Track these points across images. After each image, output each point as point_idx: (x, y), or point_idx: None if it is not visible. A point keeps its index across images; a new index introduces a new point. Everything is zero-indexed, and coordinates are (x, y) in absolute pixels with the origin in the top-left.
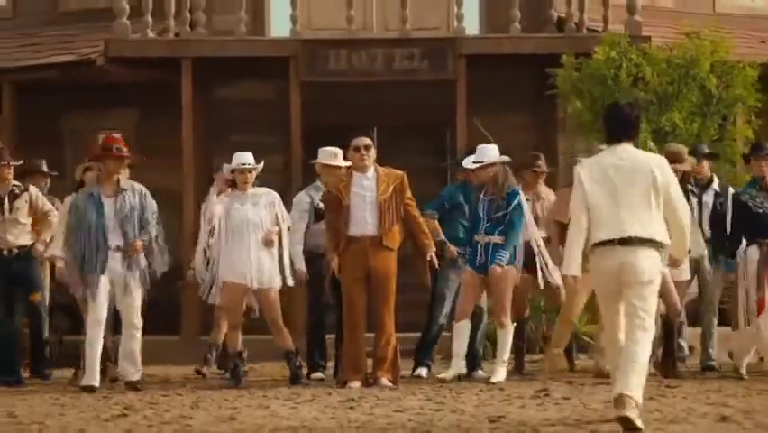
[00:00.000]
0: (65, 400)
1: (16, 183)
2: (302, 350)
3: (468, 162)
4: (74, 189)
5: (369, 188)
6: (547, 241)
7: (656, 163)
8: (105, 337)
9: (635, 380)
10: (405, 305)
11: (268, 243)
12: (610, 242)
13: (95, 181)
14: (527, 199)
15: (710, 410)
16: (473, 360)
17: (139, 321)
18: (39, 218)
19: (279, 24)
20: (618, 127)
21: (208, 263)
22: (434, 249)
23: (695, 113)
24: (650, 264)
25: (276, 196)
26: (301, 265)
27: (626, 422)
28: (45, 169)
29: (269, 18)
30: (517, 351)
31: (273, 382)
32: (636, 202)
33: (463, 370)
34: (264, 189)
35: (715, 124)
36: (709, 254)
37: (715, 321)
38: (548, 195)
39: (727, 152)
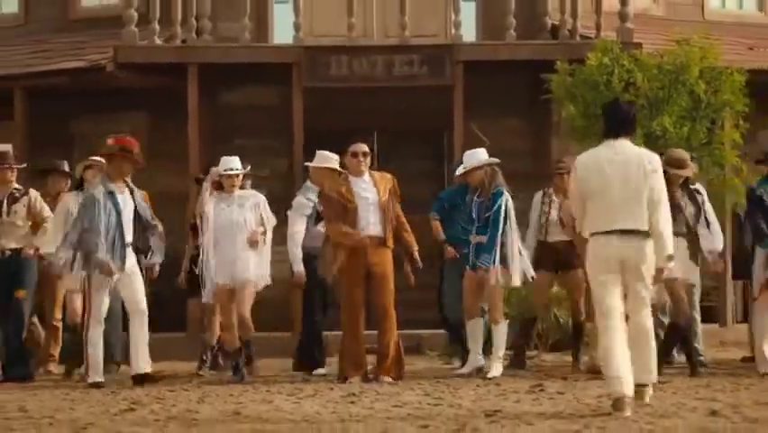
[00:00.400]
0: (75, 395)
1: (17, 186)
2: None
3: (459, 170)
4: (75, 186)
5: (369, 190)
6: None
7: (647, 159)
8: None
9: (649, 365)
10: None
11: (252, 243)
12: (607, 232)
13: (97, 179)
14: (553, 201)
15: (700, 405)
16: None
17: (145, 307)
18: (37, 222)
19: (282, 32)
20: (617, 123)
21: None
22: (417, 247)
23: (685, 117)
24: (645, 251)
25: (261, 198)
26: (300, 267)
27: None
28: (66, 169)
29: (272, 25)
30: (519, 347)
31: (276, 377)
32: (630, 195)
33: (481, 363)
34: (250, 192)
35: (704, 128)
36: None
37: (698, 318)
38: None
39: (716, 156)
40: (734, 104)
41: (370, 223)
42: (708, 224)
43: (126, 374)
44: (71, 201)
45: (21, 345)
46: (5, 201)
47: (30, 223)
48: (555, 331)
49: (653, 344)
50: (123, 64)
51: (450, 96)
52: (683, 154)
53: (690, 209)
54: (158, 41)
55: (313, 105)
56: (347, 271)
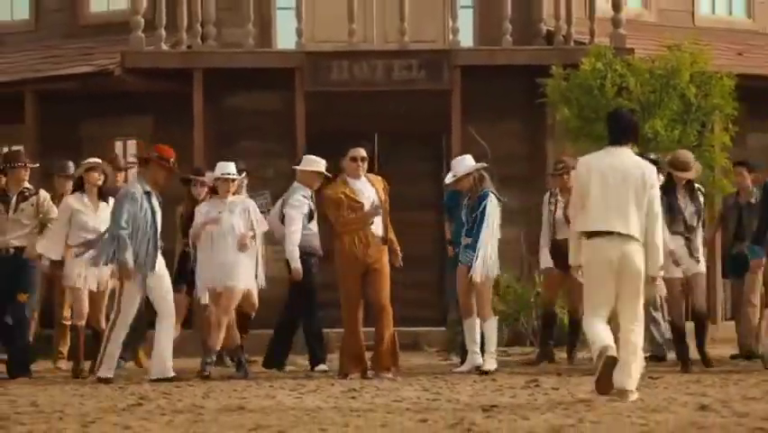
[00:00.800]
0: (84, 390)
1: (29, 186)
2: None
3: (448, 178)
4: (75, 187)
5: (369, 192)
6: None
7: (646, 171)
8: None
9: (633, 370)
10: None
11: (242, 247)
12: (602, 234)
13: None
14: (558, 200)
15: (690, 400)
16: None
17: (173, 310)
18: (43, 223)
19: (285, 37)
20: (620, 132)
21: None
22: (398, 247)
23: (676, 120)
24: (638, 257)
25: (251, 203)
26: (297, 264)
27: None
28: (71, 171)
29: (275, 31)
30: (545, 341)
31: (278, 373)
32: (627, 201)
33: (479, 361)
34: (240, 197)
35: (694, 131)
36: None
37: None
38: None
39: (706, 158)
40: (723, 107)
41: (373, 223)
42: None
43: (132, 370)
44: (74, 202)
45: (25, 347)
46: (15, 199)
47: (36, 223)
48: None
49: (640, 355)
50: (131, 69)
51: (448, 100)
52: (688, 156)
53: (689, 209)
54: (164, 47)
55: (315, 108)
56: (346, 270)
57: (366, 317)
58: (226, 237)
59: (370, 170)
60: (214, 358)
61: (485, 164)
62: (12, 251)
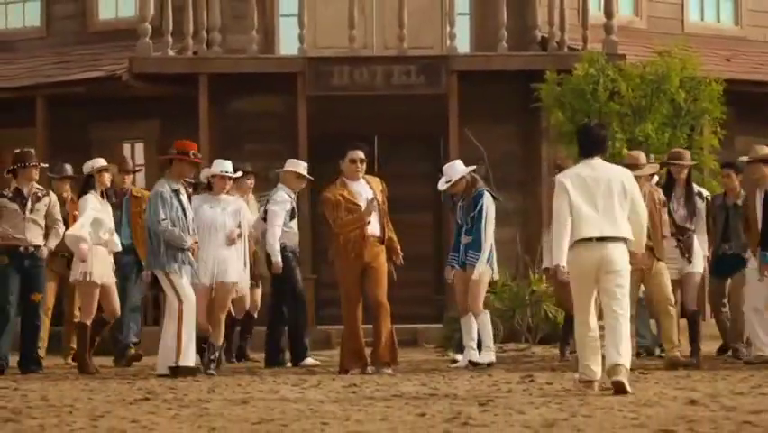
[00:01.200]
0: (93, 385)
1: (39, 186)
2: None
3: (441, 184)
4: (83, 184)
5: (367, 193)
6: None
7: (624, 175)
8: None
9: (623, 349)
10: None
11: (230, 242)
12: (590, 239)
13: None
14: None
15: (680, 394)
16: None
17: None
18: (48, 225)
19: (288, 43)
20: (591, 144)
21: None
22: (399, 245)
23: (666, 124)
24: (623, 256)
25: (242, 203)
26: (278, 258)
27: (619, 386)
28: (70, 173)
29: (278, 38)
30: (563, 341)
31: (282, 369)
32: (610, 206)
33: (476, 357)
34: (233, 197)
35: (684, 134)
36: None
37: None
38: None
39: (695, 160)
40: (712, 111)
41: (371, 224)
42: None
43: (138, 365)
44: (95, 201)
45: (36, 346)
46: (30, 198)
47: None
48: (544, 325)
49: (627, 330)
50: (138, 74)
51: (445, 104)
52: (682, 151)
53: (681, 212)
54: (170, 53)
55: (316, 112)
56: (345, 270)
57: (365, 314)
58: (218, 234)
59: (368, 171)
60: (218, 355)
61: (475, 167)
62: (31, 249)
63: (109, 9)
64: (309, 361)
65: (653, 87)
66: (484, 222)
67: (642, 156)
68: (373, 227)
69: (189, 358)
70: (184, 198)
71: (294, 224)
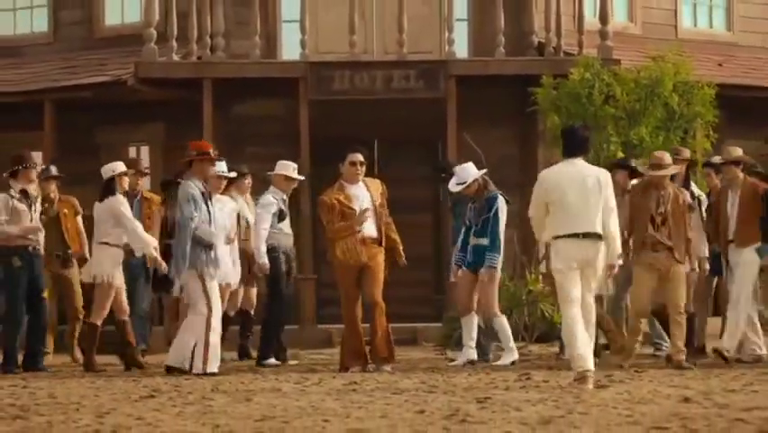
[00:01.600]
0: (99, 383)
1: (35, 187)
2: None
3: (453, 185)
4: (104, 188)
5: (364, 196)
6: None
7: (600, 175)
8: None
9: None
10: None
11: (229, 241)
12: (571, 235)
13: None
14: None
15: (673, 392)
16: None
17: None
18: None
19: (290, 49)
20: (575, 146)
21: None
22: (401, 246)
23: (660, 127)
24: (599, 250)
25: (240, 203)
26: (264, 260)
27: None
28: (55, 173)
29: (280, 43)
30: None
31: (283, 367)
32: (587, 204)
33: (473, 356)
34: (226, 198)
35: (677, 137)
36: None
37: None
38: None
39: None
40: (704, 115)
41: (367, 226)
42: None
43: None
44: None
45: (43, 345)
46: (39, 201)
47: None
48: (540, 324)
49: (593, 323)
50: (144, 79)
51: (444, 108)
52: (662, 156)
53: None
54: (175, 58)
55: (318, 116)
56: (343, 271)
57: (364, 313)
58: (219, 235)
59: (368, 174)
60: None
61: (486, 170)
62: (38, 249)
63: (115, 15)
64: (272, 361)
65: (647, 91)
66: (501, 225)
67: (667, 156)
68: (369, 230)
69: (215, 365)
70: (211, 204)
71: (285, 225)
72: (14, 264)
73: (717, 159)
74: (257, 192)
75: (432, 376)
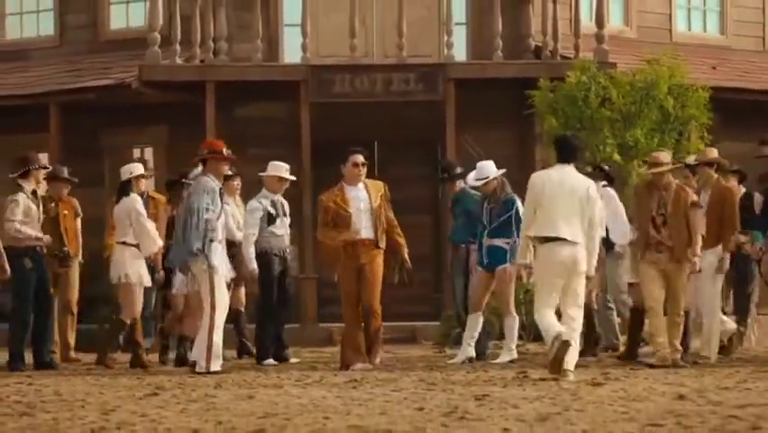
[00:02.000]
0: (104, 380)
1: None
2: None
3: (471, 180)
4: (120, 189)
5: (362, 198)
6: None
7: (590, 187)
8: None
9: (572, 358)
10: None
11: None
12: (552, 239)
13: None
14: None
15: (668, 390)
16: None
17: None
18: None
19: (291, 52)
20: (567, 153)
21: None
22: (407, 249)
23: (655, 129)
24: (580, 258)
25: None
26: (253, 265)
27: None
28: (66, 175)
29: (282, 47)
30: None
31: (285, 365)
32: (573, 212)
33: (472, 354)
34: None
35: (672, 139)
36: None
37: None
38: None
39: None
40: (699, 117)
41: (363, 227)
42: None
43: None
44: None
45: (51, 344)
46: (41, 201)
47: None
48: None
49: (578, 334)
50: (147, 82)
51: (442, 110)
52: (658, 155)
53: None
54: (179, 61)
55: (319, 118)
56: (343, 271)
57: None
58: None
59: (369, 175)
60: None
61: (505, 170)
62: (44, 249)
63: (120, 19)
64: (270, 361)
65: (642, 93)
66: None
67: (663, 155)
68: (366, 231)
69: (218, 363)
70: (224, 202)
71: (277, 227)
72: (26, 265)
73: (691, 159)
74: (257, 192)
75: (431, 374)
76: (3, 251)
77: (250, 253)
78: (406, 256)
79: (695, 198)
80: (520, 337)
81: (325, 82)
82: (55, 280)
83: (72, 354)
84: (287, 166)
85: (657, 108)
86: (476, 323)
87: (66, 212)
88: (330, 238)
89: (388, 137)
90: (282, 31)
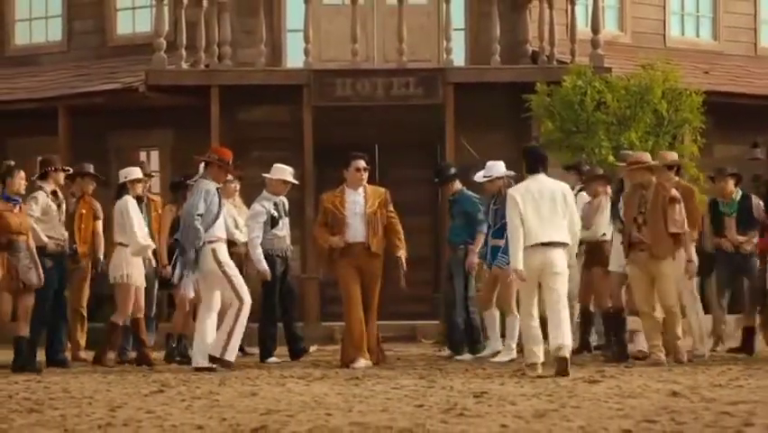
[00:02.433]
0: (111, 378)
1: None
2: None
3: (479, 177)
4: (117, 191)
5: (359, 202)
6: None
7: (565, 190)
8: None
9: (565, 332)
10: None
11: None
12: (537, 244)
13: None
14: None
15: (662, 387)
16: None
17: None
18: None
19: (294, 57)
20: (537, 163)
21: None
22: (405, 254)
23: (649, 132)
24: (564, 260)
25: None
26: (264, 266)
27: (562, 362)
28: (92, 171)
29: (285, 51)
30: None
31: (287, 363)
32: (553, 216)
33: (500, 347)
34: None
35: (666, 142)
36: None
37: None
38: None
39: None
40: (692, 121)
41: (357, 231)
42: None
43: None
44: (133, 204)
45: (64, 343)
46: (67, 198)
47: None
48: None
49: (567, 318)
50: (153, 86)
51: (442, 114)
52: (635, 155)
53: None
54: (184, 66)
55: (321, 121)
56: (343, 269)
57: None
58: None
59: (370, 177)
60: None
61: (514, 173)
62: (68, 250)
63: (126, 25)
64: (273, 359)
65: (637, 97)
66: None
67: (644, 156)
68: (357, 234)
69: (232, 354)
70: (222, 201)
71: (280, 229)
72: (46, 265)
73: (628, 154)
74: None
75: (430, 372)
76: (36, 258)
77: (257, 254)
78: (403, 259)
79: (674, 193)
80: (520, 337)
81: (327, 86)
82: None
83: (81, 353)
84: (291, 170)
85: (651, 112)
86: (494, 318)
87: (84, 211)
88: (322, 240)
89: (389, 140)
90: (285, 36)
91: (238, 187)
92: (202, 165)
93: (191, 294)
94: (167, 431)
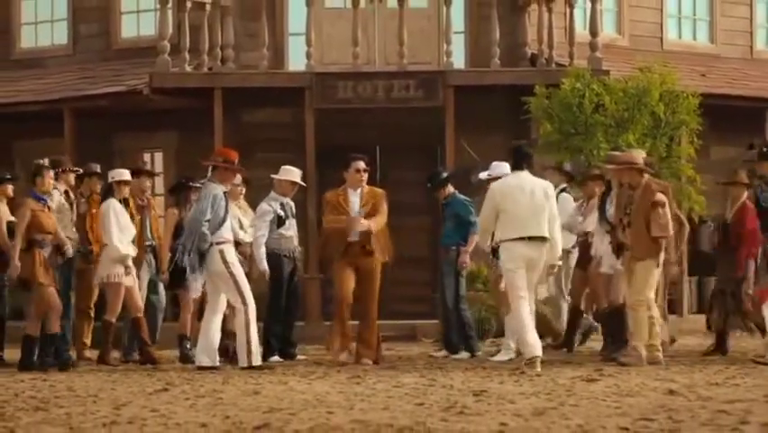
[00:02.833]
0: (115, 376)
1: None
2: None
3: (483, 175)
4: (105, 191)
5: (357, 203)
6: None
7: (546, 186)
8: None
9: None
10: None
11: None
12: (520, 239)
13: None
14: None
15: (659, 385)
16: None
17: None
18: None
19: (296, 60)
20: (521, 160)
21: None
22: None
23: (647, 134)
24: (544, 252)
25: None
26: (264, 266)
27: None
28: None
29: (287, 54)
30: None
31: (289, 362)
32: (535, 211)
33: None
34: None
35: (663, 144)
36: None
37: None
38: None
39: (674, 168)
40: (689, 123)
41: (355, 231)
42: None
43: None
44: (116, 207)
45: (69, 342)
46: (78, 198)
47: None
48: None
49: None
50: (157, 88)
51: (442, 116)
52: (621, 155)
53: (611, 210)
54: (187, 69)
55: (322, 123)
56: (339, 270)
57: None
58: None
59: (371, 179)
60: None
61: None
62: (81, 249)
63: (131, 28)
64: (275, 358)
65: (634, 100)
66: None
67: (628, 156)
68: (355, 234)
69: (258, 357)
70: (229, 204)
71: (286, 229)
72: (57, 264)
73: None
74: (264, 195)
75: (430, 370)
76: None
77: (261, 254)
78: (370, 226)
79: (660, 197)
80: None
81: (329, 89)
82: (77, 277)
83: (87, 352)
84: (299, 171)
85: (649, 114)
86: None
87: (94, 211)
88: (335, 221)
89: (390, 142)
90: (287, 39)
91: (244, 190)
92: (210, 168)
93: (195, 295)
94: (171, 429)
